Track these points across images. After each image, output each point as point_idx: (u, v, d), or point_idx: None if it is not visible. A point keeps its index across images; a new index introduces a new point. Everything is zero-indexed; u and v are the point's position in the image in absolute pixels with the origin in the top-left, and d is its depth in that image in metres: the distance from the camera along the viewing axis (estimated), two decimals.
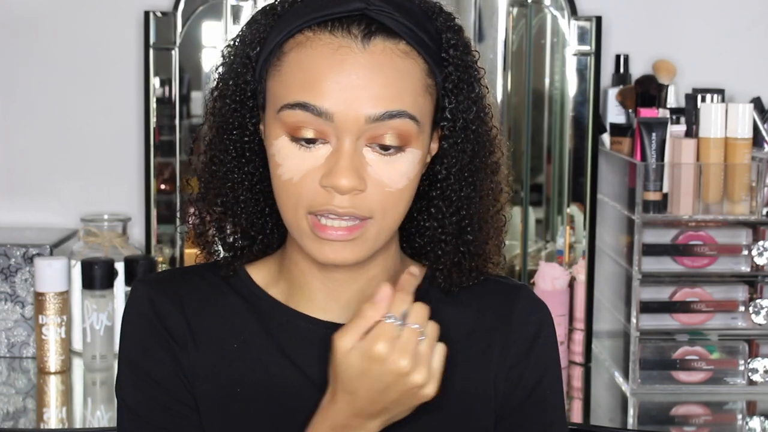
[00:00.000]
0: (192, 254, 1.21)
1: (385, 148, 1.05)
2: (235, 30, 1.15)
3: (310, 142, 1.04)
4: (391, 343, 1.01)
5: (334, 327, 1.13)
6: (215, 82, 1.13)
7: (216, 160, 1.12)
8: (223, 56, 1.13)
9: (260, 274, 1.17)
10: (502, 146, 1.15)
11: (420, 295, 1.17)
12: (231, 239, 1.15)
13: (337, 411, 1.05)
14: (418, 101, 1.06)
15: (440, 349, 1.03)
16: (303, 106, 1.03)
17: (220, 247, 1.17)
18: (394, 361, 1.00)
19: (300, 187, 1.05)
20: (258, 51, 1.09)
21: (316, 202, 1.05)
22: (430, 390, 1.02)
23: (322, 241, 1.06)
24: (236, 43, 1.12)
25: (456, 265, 1.14)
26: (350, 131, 1.03)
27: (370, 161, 1.05)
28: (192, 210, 1.17)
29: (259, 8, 1.12)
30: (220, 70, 1.13)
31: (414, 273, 1.04)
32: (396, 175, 1.06)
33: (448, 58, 1.09)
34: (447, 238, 1.13)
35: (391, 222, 1.08)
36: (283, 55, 1.07)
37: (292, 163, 1.05)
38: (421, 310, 1.02)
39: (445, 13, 1.10)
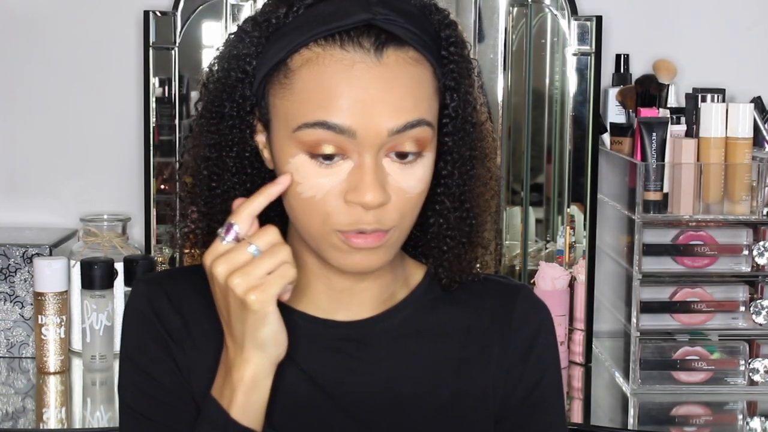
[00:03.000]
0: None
1: (403, 155, 1.05)
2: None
3: (329, 158, 1.04)
4: (214, 252, 1.03)
5: (333, 324, 1.13)
6: (206, 96, 1.11)
7: (214, 176, 1.11)
8: (211, 69, 1.11)
9: None
10: (492, 131, 1.16)
11: (420, 294, 1.17)
12: None
13: (226, 345, 1.08)
14: (432, 106, 1.07)
15: (284, 270, 1.02)
16: (323, 125, 1.03)
17: None
18: (213, 268, 1.03)
19: (325, 205, 1.05)
20: (255, 66, 1.07)
21: (344, 221, 1.04)
22: (254, 298, 1.01)
23: (352, 251, 1.06)
24: (227, 56, 1.09)
25: (456, 257, 1.15)
26: (372, 146, 1.03)
27: (390, 171, 1.05)
28: (191, 226, 1.16)
29: (246, 19, 1.10)
30: (212, 85, 1.11)
31: (281, 182, 1.05)
32: (414, 181, 1.06)
33: (448, 56, 1.08)
34: (452, 234, 1.13)
35: (409, 225, 1.09)
36: (292, 73, 1.05)
37: (313, 181, 1.05)
38: (266, 232, 1.03)
39: (440, 10, 1.10)
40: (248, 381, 1.05)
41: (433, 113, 1.07)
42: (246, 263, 1.02)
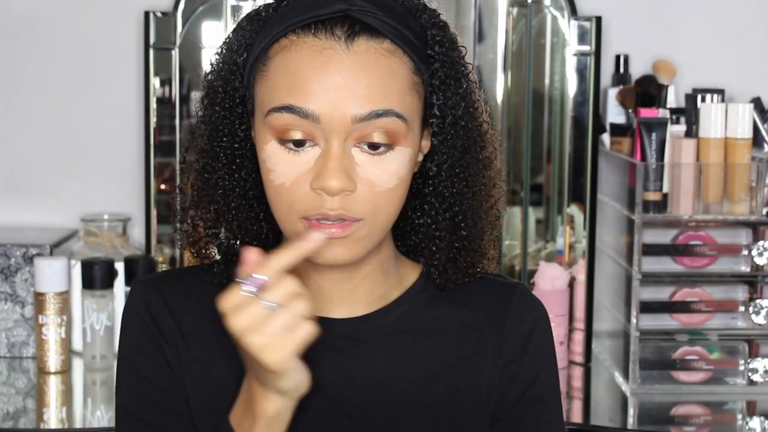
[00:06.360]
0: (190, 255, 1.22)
1: (373, 146, 1.05)
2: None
3: (299, 144, 1.05)
4: (231, 302, 0.99)
5: (327, 322, 1.13)
6: (204, 90, 1.13)
7: (208, 167, 1.13)
8: (211, 64, 1.13)
9: None
10: (494, 141, 1.16)
11: (415, 292, 1.17)
12: (225, 245, 1.16)
13: (248, 377, 1.06)
14: (405, 99, 1.06)
15: (301, 328, 0.99)
16: (289, 109, 1.04)
17: (215, 250, 1.17)
18: (228, 321, 0.99)
19: (292, 192, 1.05)
20: (245, 57, 1.09)
21: (308, 206, 1.05)
22: (269, 358, 0.99)
23: None
24: (223, 51, 1.12)
25: (451, 261, 1.14)
26: (337, 132, 1.04)
27: (359, 161, 1.05)
28: (185, 217, 1.17)
29: (244, 15, 1.12)
30: (210, 77, 1.13)
31: (313, 239, 1.01)
32: (386, 175, 1.06)
33: (433, 54, 1.09)
34: (441, 234, 1.13)
35: (383, 221, 1.08)
36: (269, 60, 1.07)
37: (282, 168, 1.05)
38: (283, 283, 0.99)
39: (429, 10, 1.10)
40: (270, 416, 1.04)
41: (408, 107, 1.07)
42: (261, 320, 0.99)
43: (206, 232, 1.15)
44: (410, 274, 1.19)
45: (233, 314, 0.99)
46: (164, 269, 2.23)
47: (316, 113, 1.03)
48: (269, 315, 0.98)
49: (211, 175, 1.13)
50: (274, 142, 1.06)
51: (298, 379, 1.03)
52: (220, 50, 1.13)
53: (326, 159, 1.04)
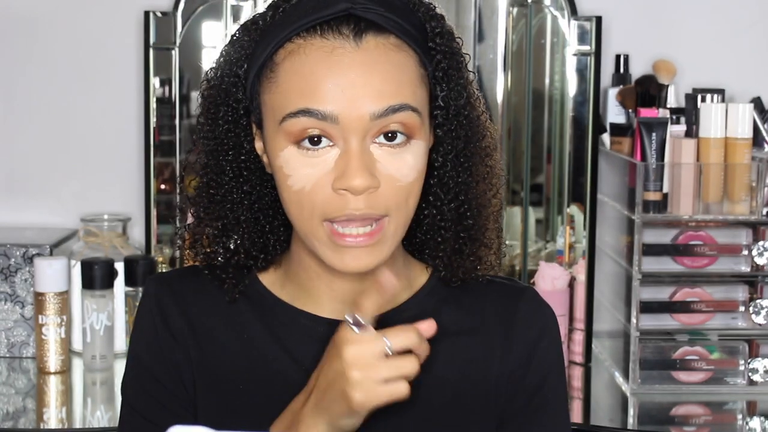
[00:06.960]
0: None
1: (390, 136, 1.05)
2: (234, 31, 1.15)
3: (315, 142, 1.04)
4: (353, 334, 1.02)
5: (336, 324, 1.13)
6: (203, 107, 1.13)
7: (213, 183, 1.13)
8: (207, 80, 1.13)
9: (268, 277, 1.18)
10: (492, 130, 1.16)
11: (424, 295, 1.17)
12: (234, 260, 1.15)
13: (299, 399, 1.07)
14: (417, 92, 1.07)
15: (398, 385, 1.01)
16: (306, 112, 1.04)
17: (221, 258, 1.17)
18: (346, 347, 1.01)
19: (313, 196, 1.05)
20: (246, 68, 1.09)
21: (331, 208, 1.05)
22: (356, 397, 1.00)
23: (341, 249, 1.06)
24: (221, 65, 1.11)
25: (457, 253, 1.14)
26: (356, 130, 1.04)
27: (379, 157, 1.05)
28: (190, 235, 1.17)
29: (237, 27, 1.12)
30: (208, 93, 1.12)
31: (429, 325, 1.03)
32: (405, 169, 1.06)
33: (435, 46, 1.09)
34: (446, 225, 1.13)
35: (404, 216, 1.08)
36: (276, 66, 1.07)
37: (301, 173, 1.05)
38: (410, 336, 1.02)
39: (425, 3, 1.11)
40: None
41: (420, 100, 1.07)
42: (371, 361, 1.00)
43: (212, 248, 1.15)
44: (419, 275, 1.18)
45: (351, 344, 1.01)
46: (169, 269, 2.23)
47: (334, 114, 1.03)
48: (380, 360, 1.00)
49: (217, 190, 1.12)
50: (291, 147, 1.05)
51: (357, 423, 1.04)
52: (216, 65, 1.12)
53: (348, 158, 1.03)
